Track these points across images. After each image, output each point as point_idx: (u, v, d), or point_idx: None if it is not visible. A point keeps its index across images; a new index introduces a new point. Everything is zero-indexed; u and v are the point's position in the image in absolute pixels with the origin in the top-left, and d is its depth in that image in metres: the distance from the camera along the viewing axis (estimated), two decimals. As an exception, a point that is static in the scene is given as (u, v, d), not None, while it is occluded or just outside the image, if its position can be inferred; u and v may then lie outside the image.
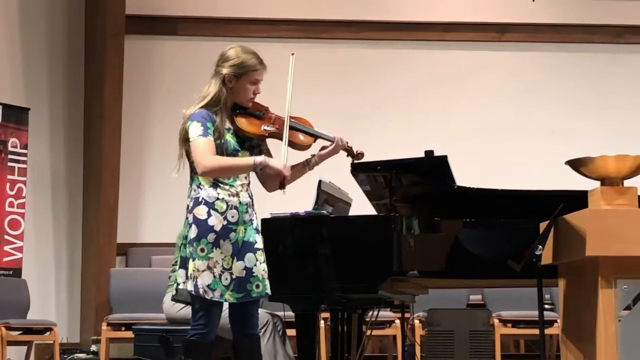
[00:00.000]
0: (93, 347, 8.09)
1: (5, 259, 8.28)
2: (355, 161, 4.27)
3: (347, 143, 4.14)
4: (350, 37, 9.68)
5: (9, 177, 8.42)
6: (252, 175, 4.02)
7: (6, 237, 8.31)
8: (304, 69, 8.97)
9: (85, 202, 9.13)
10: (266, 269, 3.94)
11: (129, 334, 6.05)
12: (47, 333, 7.62)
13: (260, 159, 3.84)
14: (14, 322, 7.45)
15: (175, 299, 4.82)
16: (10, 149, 8.45)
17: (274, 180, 3.99)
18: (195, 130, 3.87)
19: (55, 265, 8.99)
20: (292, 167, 4.04)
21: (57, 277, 8.98)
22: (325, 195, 4.68)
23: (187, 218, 3.93)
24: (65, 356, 7.83)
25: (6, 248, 8.30)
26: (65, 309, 8.93)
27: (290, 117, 4.02)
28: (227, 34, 9.05)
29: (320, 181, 4.61)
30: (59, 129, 9.16)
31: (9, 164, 8.44)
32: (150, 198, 9.31)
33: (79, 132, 9.24)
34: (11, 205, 8.40)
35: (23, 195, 8.48)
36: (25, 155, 8.55)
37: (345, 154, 4.19)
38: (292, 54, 4.04)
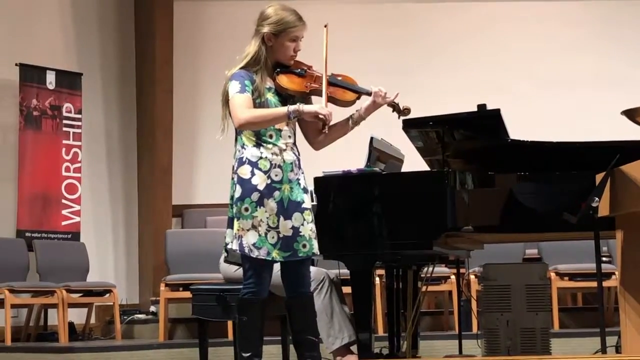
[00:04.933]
0: (152, 308, 8.20)
1: (64, 223, 8.41)
2: (402, 117, 4.16)
3: (393, 99, 4.05)
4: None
5: (64, 142, 8.53)
6: (299, 134, 4.01)
7: (64, 201, 8.43)
8: (347, 25, 8.96)
9: (140, 165, 9.22)
10: (314, 228, 3.95)
11: (187, 294, 6.11)
12: (107, 295, 7.75)
13: (293, 106, 3.84)
14: (74, 284, 7.57)
15: (227, 260, 4.84)
16: (64, 114, 8.55)
17: (317, 133, 4.00)
18: (233, 88, 3.90)
19: (113, 228, 9.11)
20: (335, 125, 4.02)
21: (114, 239, 9.10)
22: (377, 152, 4.66)
23: (232, 178, 3.97)
24: (124, 317, 7.94)
25: (64, 212, 8.43)
26: (124, 271, 9.06)
27: (333, 74, 4.01)
28: (276, -7, 9.00)
29: (372, 138, 4.59)
30: (111, 93, 9.24)
31: (64, 129, 8.54)
32: (204, 159, 9.37)
33: (131, 95, 9.31)
34: (67, 170, 8.51)
35: (79, 159, 8.59)
36: (79, 120, 8.65)
37: (391, 109, 4.10)
38: (325, 25, 3.98)
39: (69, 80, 8.61)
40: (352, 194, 4.33)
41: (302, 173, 4.00)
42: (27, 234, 8.10)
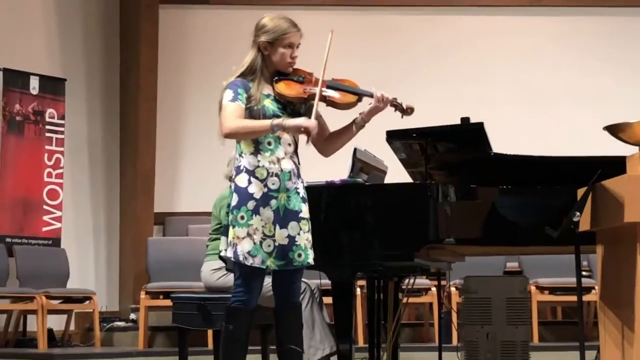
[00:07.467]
0: (132, 316, 8.18)
1: (45, 229, 8.38)
2: (404, 116, 4.02)
3: (396, 99, 4.01)
4: (383, 3, 9.65)
5: (47, 147, 8.50)
6: (302, 144, 3.99)
7: (45, 207, 8.40)
8: (337, 36, 8.96)
9: (122, 171, 9.20)
10: (310, 238, 3.94)
11: (167, 302, 6.10)
12: (87, 302, 7.72)
13: (277, 120, 3.83)
14: (54, 291, 7.54)
15: (227, 268, 4.80)
16: (47, 119, 8.52)
17: (322, 140, 4.01)
18: (226, 97, 3.90)
19: (94, 235, 9.07)
20: (339, 130, 4.03)
21: (95, 246, 9.07)
22: (360, 163, 4.66)
23: (230, 187, 3.98)
24: (104, 324, 7.91)
25: (45, 218, 8.39)
26: (104, 278, 9.02)
27: (333, 79, 4.00)
28: (260, 2, 9.01)
29: (355, 149, 4.59)
30: (95, 99, 9.22)
31: (47, 134, 8.51)
32: (187, 168, 9.36)
33: (115, 102, 9.29)
34: (49, 175, 8.48)
35: (61, 165, 8.56)
36: (62, 125, 8.62)
37: (393, 109, 4.01)
38: (332, 31, 3.98)
39: (53, 86, 8.59)
40: (335, 204, 4.33)
41: (302, 182, 3.99)
42: (8, 240, 8.06)
